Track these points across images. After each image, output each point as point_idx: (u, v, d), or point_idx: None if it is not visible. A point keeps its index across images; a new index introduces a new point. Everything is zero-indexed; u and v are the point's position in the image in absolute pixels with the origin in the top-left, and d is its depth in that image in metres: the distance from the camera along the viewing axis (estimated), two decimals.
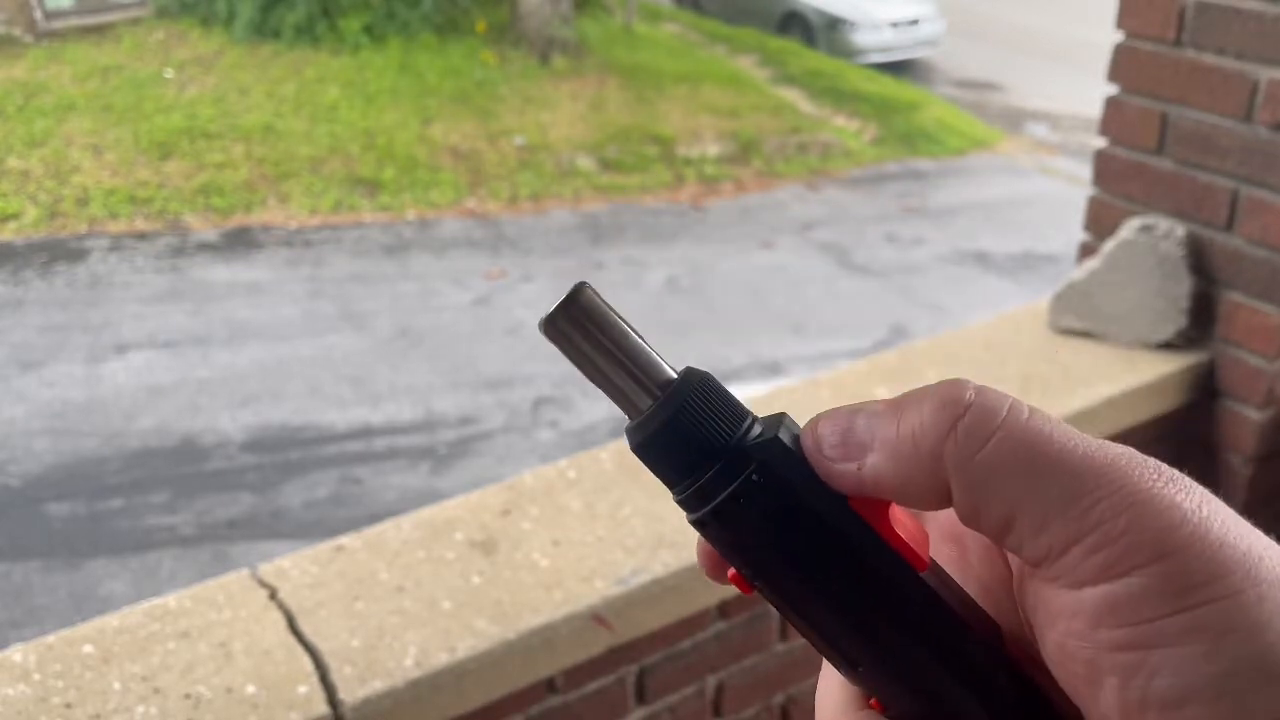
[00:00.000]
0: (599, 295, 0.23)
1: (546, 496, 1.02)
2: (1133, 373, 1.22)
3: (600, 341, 0.22)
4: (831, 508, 0.22)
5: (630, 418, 0.23)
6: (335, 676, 0.82)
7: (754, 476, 0.22)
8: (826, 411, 0.23)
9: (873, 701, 0.24)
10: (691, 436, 0.22)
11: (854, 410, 0.23)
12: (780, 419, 0.23)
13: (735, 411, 0.23)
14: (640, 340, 0.23)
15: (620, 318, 0.23)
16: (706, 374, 0.23)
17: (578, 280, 0.23)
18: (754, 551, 0.22)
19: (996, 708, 0.22)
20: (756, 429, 0.23)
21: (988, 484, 0.20)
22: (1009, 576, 0.24)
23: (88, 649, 0.84)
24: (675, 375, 0.23)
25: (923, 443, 0.21)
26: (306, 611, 0.88)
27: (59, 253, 5.31)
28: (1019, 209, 6.41)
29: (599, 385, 0.23)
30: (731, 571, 0.23)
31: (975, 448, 0.20)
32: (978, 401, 0.21)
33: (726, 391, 0.23)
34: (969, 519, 0.21)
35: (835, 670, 0.24)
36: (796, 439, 0.23)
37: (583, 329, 0.22)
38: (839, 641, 0.23)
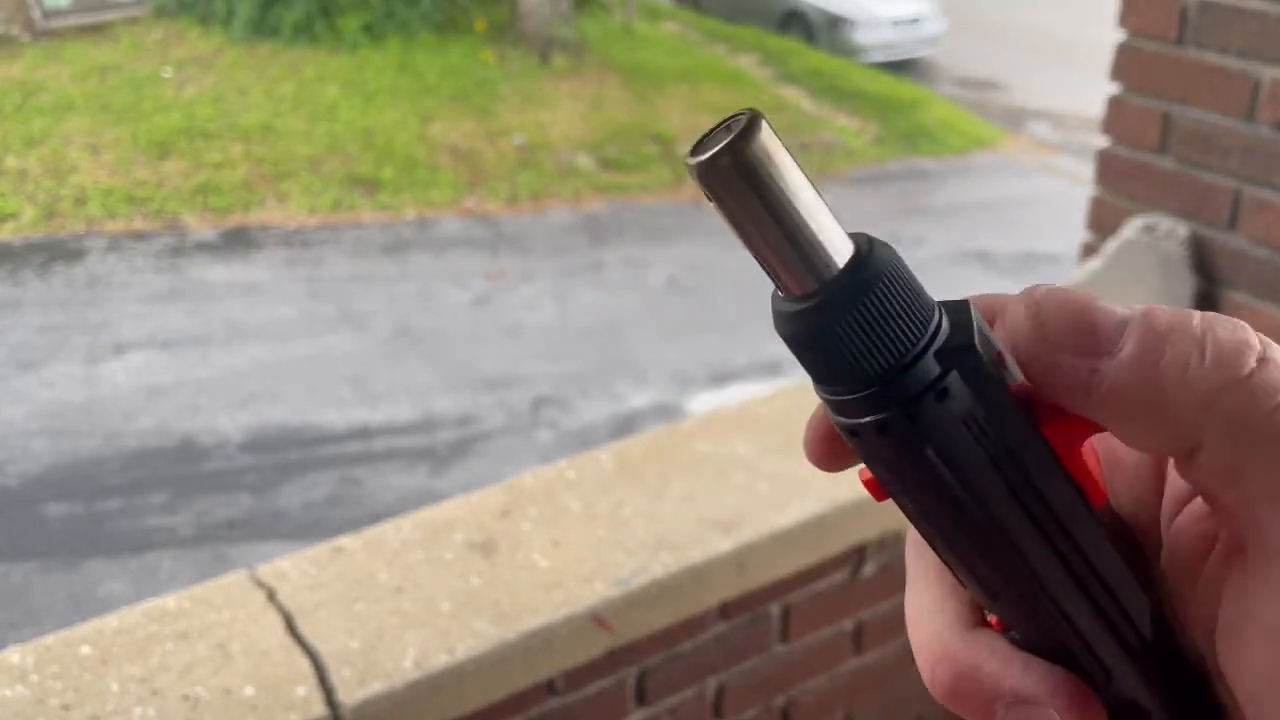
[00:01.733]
0: (775, 132, 0.18)
1: (546, 497, 1.02)
2: None
3: (772, 200, 0.18)
4: (1024, 424, 0.19)
5: (789, 293, 0.19)
6: (334, 678, 0.82)
7: (945, 384, 0.18)
8: (1047, 286, 0.19)
9: (992, 619, 0.21)
10: (875, 332, 0.18)
11: (1091, 300, 0.19)
12: (965, 307, 0.19)
13: (923, 302, 0.19)
14: (817, 196, 0.19)
15: (796, 164, 0.18)
16: (892, 252, 0.19)
17: (745, 110, 0.18)
18: (918, 468, 0.19)
19: (1150, 673, 0.20)
20: (945, 323, 0.19)
21: (1257, 461, 0.17)
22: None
23: (86, 650, 0.84)
24: (853, 248, 0.19)
25: (1195, 383, 0.17)
26: (305, 613, 0.87)
27: (57, 253, 5.31)
28: (1021, 208, 6.41)
29: (754, 251, 0.19)
30: (866, 475, 0.20)
31: (1264, 412, 0.17)
32: (1270, 357, 0.18)
33: (912, 275, 0.19)
34: (1214, 483, 0.18)
35: (937, 581, 0.21)
36: (985, 338, 0.19)
37: (752, 181, 0.18)
38: (981, 569, 0.20)
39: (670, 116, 7.03)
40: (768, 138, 0.18)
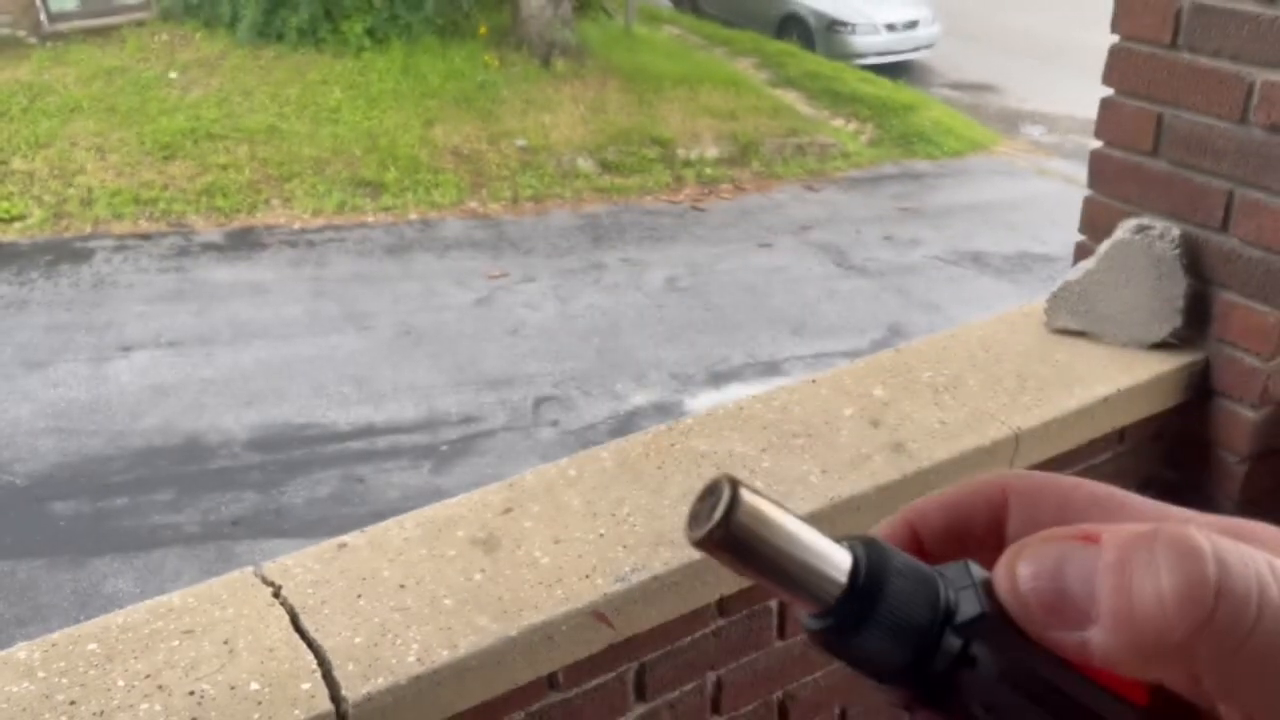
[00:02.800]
0: (755, 491, 0.20)
1: (547, 495, 1.03)
2: (1128, 372, 1.23)
3: (767, 553, 0.20)
4: (1051, 659, 0.20)
5: (811, 613, 0.21)
6: (338, 673, 0.82)
7: (970, 654, 0.20)
8: (1023, 548, 0.20)
9: None
10: (893, 632, 0.20)
11: (1061, 555, 0.19)
12: (964, 569, 0.21)
13: (927, 586, 0.21)
14: (806, 528, 0.20)
15: (780, 509, 0.20)
16: (884, 547, 0.21)
17: (721, 477, 0.20)
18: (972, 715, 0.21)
19: None
20: (951, 593, 0.21)
21: (1245, 682, 0.18)
22: None
23: (92, 646, 0.84)
24: (850, 558, 0.20)
25: (1168, 635, 0.18)
26: (310, 609, 0.88)
27: (64, 253, 5.34)
28: (1015, 210, 6.42)
29: (769, 587, 0.21)
30: None
31: (1233, 647, 0.18)
32: (1227, 587, 0.18)
33: (908, 562, 0.21)
34: (1224, 705, 0.19)
35: None
36: (989, 587, 0.21)
37: (746, 543, 0.20)
38: None
39: (670, 120, 7.05)
40: (749, 501, 0.20)
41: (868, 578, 0.20)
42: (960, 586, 0.21)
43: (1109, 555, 0.19)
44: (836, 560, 0.21)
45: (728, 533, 0.20)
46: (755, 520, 0.20)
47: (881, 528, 0.23)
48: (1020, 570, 0.20)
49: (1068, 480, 0.22)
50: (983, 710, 0.20)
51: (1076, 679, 0.20)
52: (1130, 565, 0.19)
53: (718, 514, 0.20)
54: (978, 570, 0.21)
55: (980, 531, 0.23)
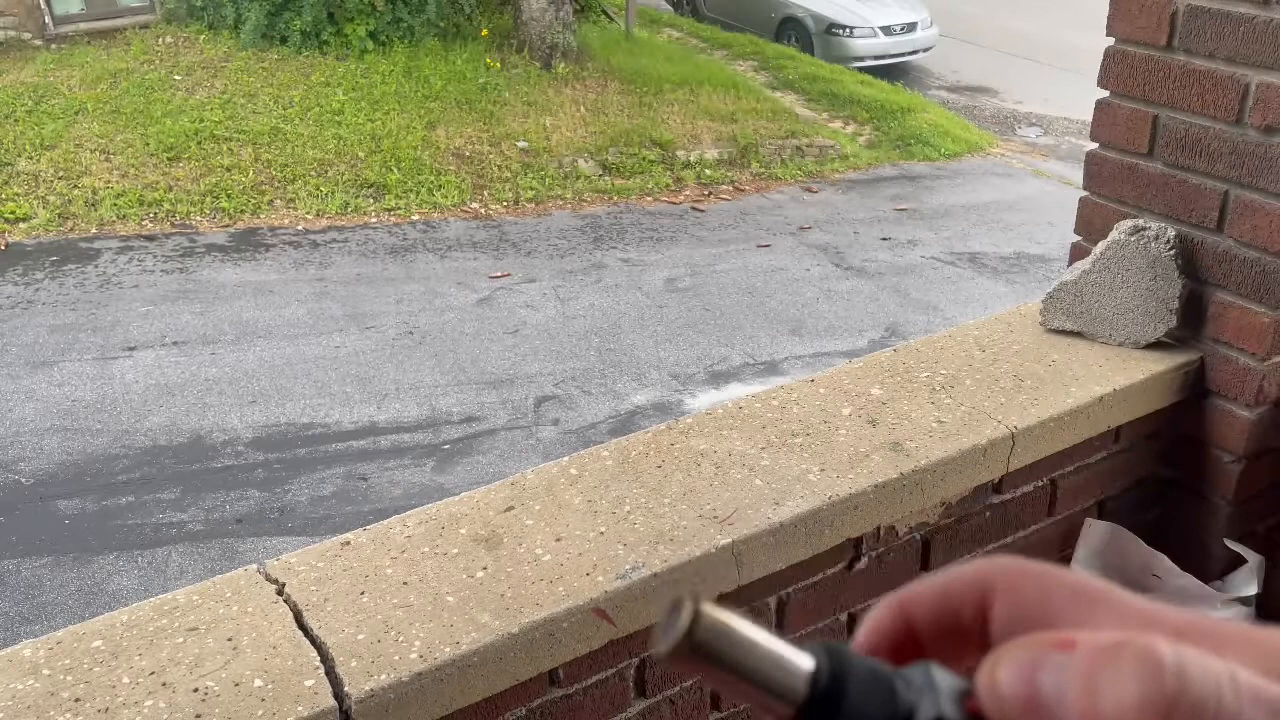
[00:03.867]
0: (716, 611, 0.21)
1: (549, 493, 1.03)
2: (1124, 372, 1.23)
3: (730, 662, 0.21)
4: None
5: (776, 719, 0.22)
6: (341, 670, 0.82)
7: None
8: (1004, 653, 0.21)
9: None
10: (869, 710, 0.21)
11: (1038, 660, 0.20)
12: (926, 670, 0.22)
13: (884, 688, 0.22)
14: (768, 637, 0.22)
15: (744, 622, 0.22)
16: (844, 651, 0.22)
17: (682, 595, 0.22)
18: None
19: None
20: (912, 696, 0.22)
21: None
22: None
23: (97, 644, 0.85)
24: (812, 663, 0.22)
25: None
26: (313, 606, 0.89)
27: (69, 254, 5.36)
28: (1011, 211, 6.43)
29: (737, 695, 0.22)
30: None
31: None
32: (1185, 699, 0.19)
33: (869, 661, 0.22)
34: None
35: None
36: (960, 694, 0.22)
37: (710, 655, 0.21)
38: None
39: (670, 122, 7.06)
40: (711, 615, 0.21)
41: (829, 682, 0.21)
42: (920, 688, 0.22)
43: (1080, 664, 0.20)
44: (798, 667, 0.22)
45: (692, 645, 0.21)
46: (716, 634, 0.21)
47: (877, 610, 0.25)
48: (1000, 675, 0.21)
49: (1052, 573, 0.23)
50: None
51: None
52: (1098, 674, 0.20)
53: (680, 629, 0.21)
54: (939, 673, 0.22)
55: (968, 619, 0.24)
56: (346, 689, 0.82)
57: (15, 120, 6.44)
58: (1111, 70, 1.25)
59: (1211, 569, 1.30)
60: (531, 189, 6.30)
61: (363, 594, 0.91)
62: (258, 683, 0.82)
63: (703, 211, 6.26)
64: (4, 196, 5.73)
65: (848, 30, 9.01)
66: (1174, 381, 1.26)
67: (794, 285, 5.30)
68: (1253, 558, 1.25)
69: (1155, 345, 1.27)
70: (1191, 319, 1.25)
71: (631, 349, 4.59)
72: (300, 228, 5.76)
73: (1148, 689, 0.19)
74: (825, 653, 0.22)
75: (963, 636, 0.24)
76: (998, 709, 0.21)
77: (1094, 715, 0.19)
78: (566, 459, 1.09)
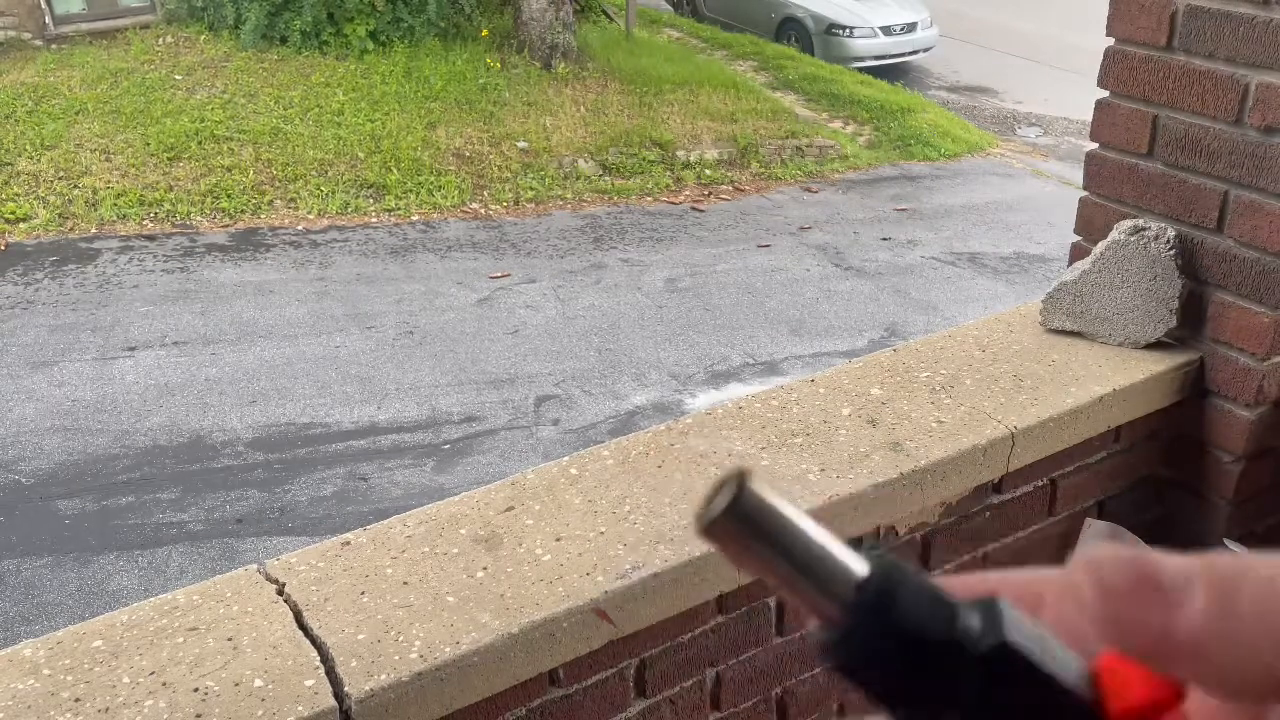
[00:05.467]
0: (763, 491, 0.19)
1: (549, 493, 1.03)
2: (1123, 372, 1.23)
3: (775, 541, 0.19)
4: (1067, 699, 0.19)
5: (818, 615, 0.20)
6: (341, 669, 0.83)
7: (983, 681, 0.19)
8: (1103, 552, 0.18)
9: None
10: (903, 637, 0.19)
11: (1148, 555, 0.18)
12: (994, 603, 0.20)
13: (943, 601, 0.19)
14: (818, 527, 0.20)
15: (792, 507, 0.20)
16: (900, 562, 0.20)
17: (732, 470, 0.19)
18: None
19: None
20: (976, 621, 0.19)
21: None
22: None
23: (97, 644, 0.85)
24: (864, 562, 0.20)
25: (1274, 628, 0.17)
26: (313, 606, 0.89)
27: (69, 254, 5.36)
28: (1011, 211, 6.43)
29: (776, 583, 0.20)
30: None
31: None
32: None
33: (930, 581, 0.20)
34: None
35: None
36: (1037, 636, 0.19)
37: (753, 533, 0.19)
38: None
39: (670, 122, 7.06)
40: (757, 491, 0.19)
41: (881, 583, 0.19)
42: (983, 612, 0.20)
43: (1219, 561, 0.18)
44: (849, 564, 0.20)
45: (732, 519, 0.19)
46: (761, 510, 0.19)
47: (961, 578, 0.22)
48: (1102, 555, 0.18)
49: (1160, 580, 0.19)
50: None
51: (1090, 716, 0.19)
52: (1241, 566, 0.18)
53: (723, 502, 0.19)
54: (1009, 608, 0.20)
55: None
56: (346, 689, 0.82)
57: (15, 120, 6.45)
58: (1111, 70, 1.25)
59: None
60: (531, 189, 6.30)
61: (363, 594, 0.91)
62: (258, 683, 0.82)
63: (703, 212, 6.26)
64: (4, 196, 5.74)
65: (848, 30, 9.02)
66: (1174, 381, 1.26)
67: (794, 285, 5.30)
68: None
69: (1155, 345, 1.27)
70: (1191, 319, 1.25)
71: (631, 349, 4.59)
72: (300, 228, 5.76)
73: None
74: (880, 558, 0.20)
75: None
76: (1100, 588, 0.18)
77: (1228, 618, 0.17)
78: (566, 459, 1.09)
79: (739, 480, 0.19)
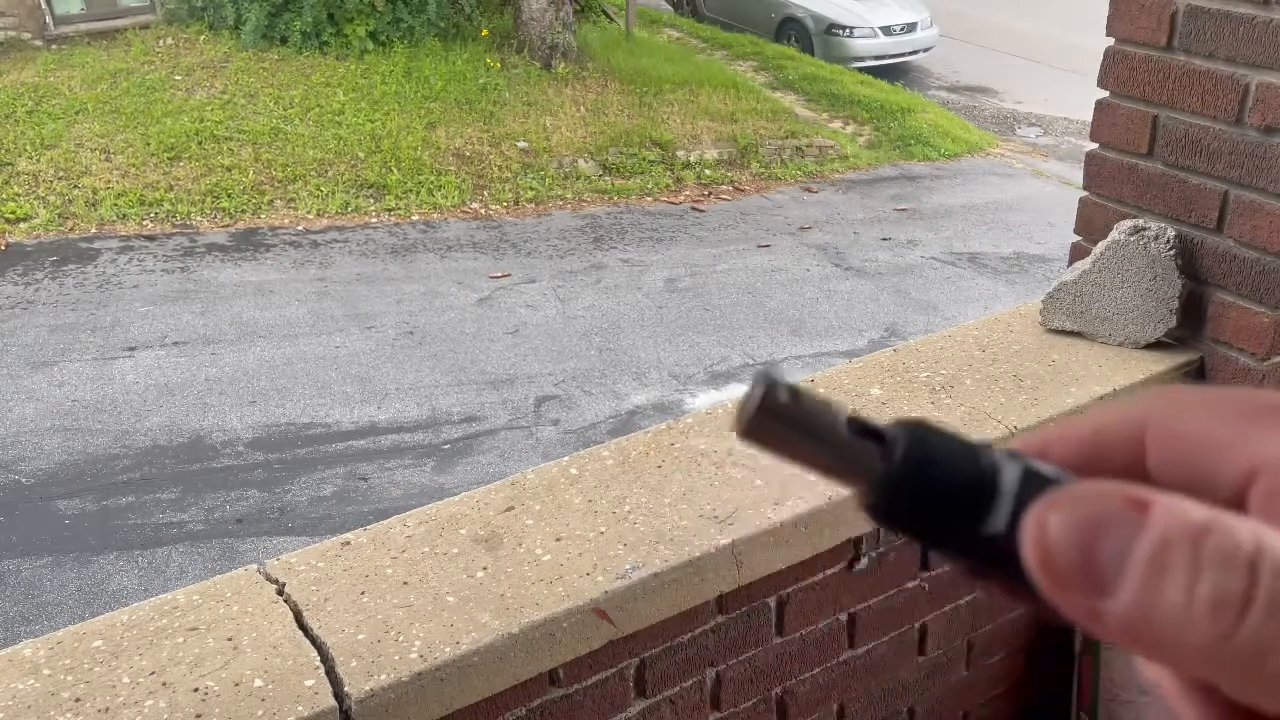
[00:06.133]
0: (788, 387, 0.21)
1: (549, 493, 1.03)
2: (1124, 372, 1.24)
3: (804, 432, 0.20)
4: None
5: (862, 491, 0.21)
6: (341, 669, 0.83)
7: (1020, 498, 0.19)
8: (1061, 500, 0.18)
9: None
10: (941, 486, 0.20)
11: (1098, 519, 0.17)
12: (1021, 455, 0.21)
13: (970, 445, 0.21)
14: (845, 408, 0.21)
15: (816, 398, 0.21)
16: (924, 428, 0.21)
17: (761, 371, 0.21)
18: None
19: None
20: (1002, 461, 0.20)
21: (1273, 690, 0.16)
22: None
23: (97, 644, 0.85)
24: (891, 438, 0.21)
25: (1189, 637, 0.16)
26: (313, 606, 0.89)
27: (69, 254, 5.36)
28: (1011, 211, 6.44)
29: (814, 463, 0.21)
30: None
31: (1259, 662, 0.16)
32: (1256, 596, 0.16)
33: (953, 441, 0.21)
34: (1240, 709, 0.17)
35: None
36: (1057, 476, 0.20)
37: (785, 424, 0.20)
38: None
39: (670, 122, 7.06)
40: (788, 387, 0.21)
41: (911, 437, 0.20)
42: (1005, 456, 0.21)
43: (1149, 545, 0.17)
44: (879, 428, 0.21)
45: (767, 417, 0.20)
46: (791, 403, 0.20)
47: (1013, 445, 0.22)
48: (1052, 521, 0.18)
49: (1216, 395, 0.19)
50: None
51: None
52: (1167, 564, 0.17)
53: (760, 395, 0.20)
54: (1034, 461, 0.21)
55: (1119, 467, 0.20)
56: (346, 689, 0.82)
57: (15, 120, 6.45)
58: (1111, 70, 1.25)
59: None
60: (531, 189, 6.30)
61: (363, 594, 0.91)
62: (258, 682, 0.82)
63: (703, 212, 6.26)
64: (4, 196, 5.74)
65: (848, 30, 9.03)
66: (1174, 382, 1.26)
67: (794, 285, 5.30)
68: None
69: (1155, 345, 1.27)
70: (1191, 319, 1.25)
71: (631, 349, 4.59)
72: (300, 228, 5.76)
73: (1222, 592, 0.16)
74: (904, 424, 0.21)
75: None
76: (1039, 559, 0.18)
77: (1148, 616, 0.16)
78: (566, 459, 1.10)
79: (766, 379, 0.21)
